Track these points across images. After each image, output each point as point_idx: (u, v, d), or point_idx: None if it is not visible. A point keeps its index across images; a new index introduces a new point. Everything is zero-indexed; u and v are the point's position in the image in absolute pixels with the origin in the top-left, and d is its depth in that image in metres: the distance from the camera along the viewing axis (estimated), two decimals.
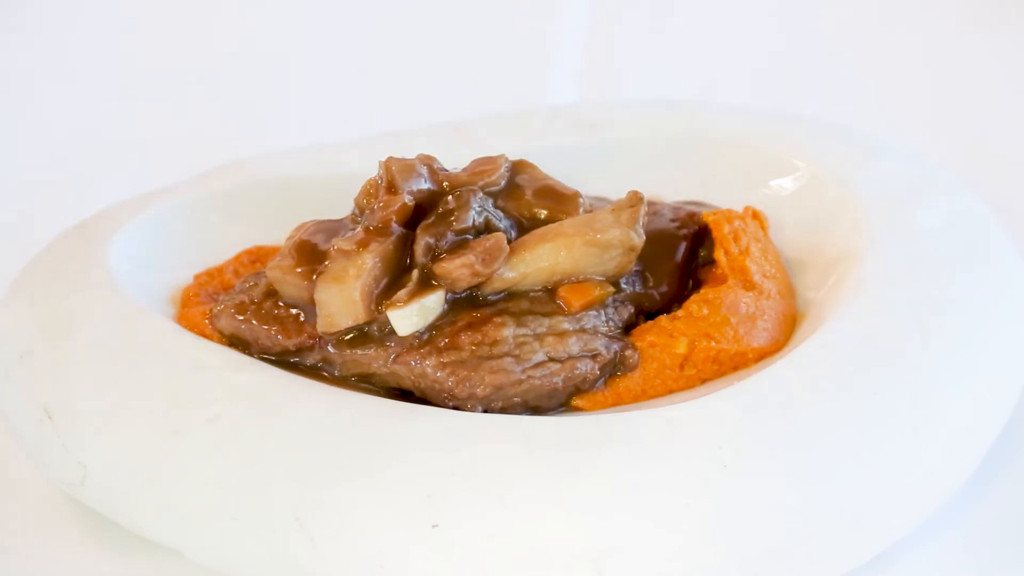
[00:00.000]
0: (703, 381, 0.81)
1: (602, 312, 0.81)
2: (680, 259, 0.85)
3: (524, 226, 0.83)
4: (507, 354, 0.78)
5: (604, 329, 0.80)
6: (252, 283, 0.84)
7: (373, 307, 0.79)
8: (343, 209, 0.86)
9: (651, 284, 0.84)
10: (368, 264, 0.78)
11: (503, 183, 0.84)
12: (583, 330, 0.80)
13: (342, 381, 0.81)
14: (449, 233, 0.80)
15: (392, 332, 0.79)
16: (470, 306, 0.80)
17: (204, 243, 0.92)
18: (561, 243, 0.80)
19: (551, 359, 0.79)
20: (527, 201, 0.83)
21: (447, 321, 0.79)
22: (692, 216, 0.87)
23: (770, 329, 0.83)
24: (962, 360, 0.80)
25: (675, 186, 0.93)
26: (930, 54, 1.31)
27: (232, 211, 0.95)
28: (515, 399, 0.78)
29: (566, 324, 0.80)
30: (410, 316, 0.78)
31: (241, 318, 0.82)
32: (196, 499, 0.76)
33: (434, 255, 0.80)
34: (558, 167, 0.88)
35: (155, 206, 0.93)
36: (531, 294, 0.80)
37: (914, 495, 0.76)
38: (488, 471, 0.72)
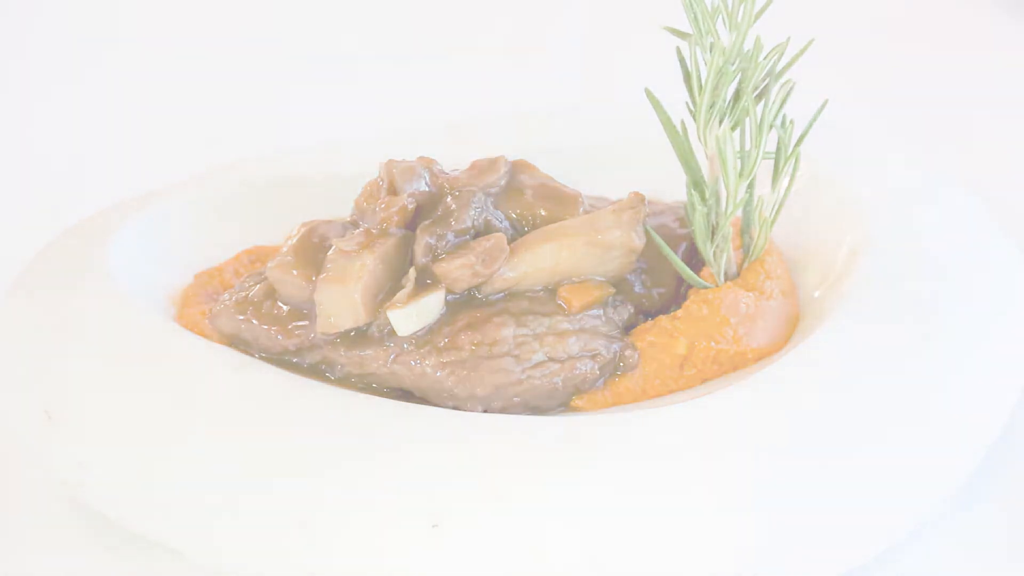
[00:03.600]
0: (703, 381, 0.81)
1: (602, 312, 0.81)
2: (680, 259, 0.85)
3: (524, 226, 0.83)
4: (507, 354, 0.78)
5: (604, 329, 0.80)
6: (252, 283, 0.84)
7: (374, 308, 0.79)
8: (343, 209, 0.86)
9: (651, 284, 0.84)
10: (369, 265, 0.78)
11: (503, 184, 0.84)
12: (583, 330, 0.80)
13: (342, 381, 0.81)
14: (449, 234, 0.80)
15: (392, 332, 0.79)
16: (470, 306, 0.80)
17: (204, 243, 0.92)
18: (562, 243, 0.80)
19: (551, 359, 0.79)
20: (527, 201, 0.83)
21: (447, 321, 0.79)
22: None
23: (770, 329, 0.83)
24: (962, 360, 0.80)
25: (675, 186, 0.92)
26: (930, 54, 1.31)
27: (232, 211, 0.94)
28: (515, 399, 0.78)
29: (566, 324, 0.79)
30: (410, 316, 0.78)
31: (241, 318, 0.82)
32: (196, 499, 0.75)
33: (434, 255, 0.80)
34: (558, 167, 0.88)
35: (155, 206, 0.93)
36: (531, 294, 0.80)
37: (914, 495, 0.76)
38: (488, 471, 0.72)
